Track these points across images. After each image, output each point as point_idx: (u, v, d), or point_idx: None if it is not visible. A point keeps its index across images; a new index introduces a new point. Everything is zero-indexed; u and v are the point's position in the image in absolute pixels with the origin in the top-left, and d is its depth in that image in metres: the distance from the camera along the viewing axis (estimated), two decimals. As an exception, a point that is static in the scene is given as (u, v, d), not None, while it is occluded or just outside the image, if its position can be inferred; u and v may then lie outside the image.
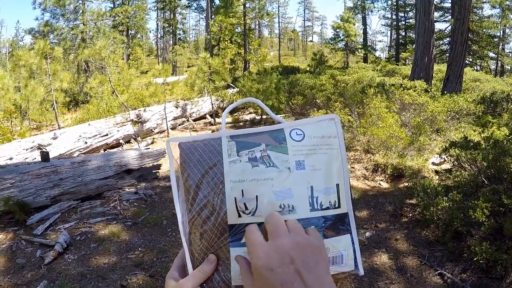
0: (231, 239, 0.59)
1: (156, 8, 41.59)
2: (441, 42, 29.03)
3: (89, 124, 8.51)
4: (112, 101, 11.61)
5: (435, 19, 16.90)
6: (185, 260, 0.62)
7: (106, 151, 8.05)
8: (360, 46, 35.04)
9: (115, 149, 8.34)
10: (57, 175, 5.01)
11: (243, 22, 27.83)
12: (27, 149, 6.67)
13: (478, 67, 29.18)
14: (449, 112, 7.73)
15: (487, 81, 16.56)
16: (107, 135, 8.46)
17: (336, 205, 0.63)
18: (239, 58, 27.43)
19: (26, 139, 7.19)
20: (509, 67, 32.52)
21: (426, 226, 4.28)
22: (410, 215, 4.66)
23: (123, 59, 19.04)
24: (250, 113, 13.25)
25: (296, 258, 0.50)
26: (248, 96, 11.31)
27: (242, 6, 27.88)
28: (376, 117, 6.95)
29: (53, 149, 6.97)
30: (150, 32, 44.75)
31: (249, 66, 28.25)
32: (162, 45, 47.13)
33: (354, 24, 33.98)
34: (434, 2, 15.58)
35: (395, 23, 36.11)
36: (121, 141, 8.81)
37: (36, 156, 6.46)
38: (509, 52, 32.94)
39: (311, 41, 72.31)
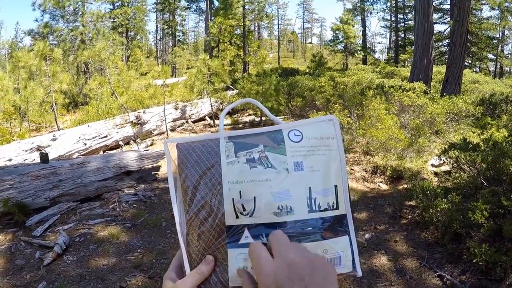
0: (228, 240, 0.59)
1: (155, 9, 41.64)
2: (440, 43, 29.09)
3: (88, 126, 8.50)
4: (112, 103, 11.60)
5: (434, 21, 16.95)
6: (182, 261, 0.62)
7: (105, 153, 8.05)
8: (359, 48, 35.07)
9: (114, 151, 8.34)
10: (56, 176, 5.00)
11: (242, 24, 27.89)
12: (26, 151, 6.67)
13: (477, 69, 29.20)
14: (448, 114, 7.73)
15: (486, 83, 16.58)
16: (106, 136, 8.46)
17: (335, 207, 0.63)
18: (238, 60, 27.46)
19: (25, 141, 7.19)
20: (508, 69, 32.58)
21: (426, 228, 4.28)
22: (410, 217, 4.66)
23: (122, 60, 19.03)
24: (250, 115, 13.26)
25: (306, 274, 0.49)
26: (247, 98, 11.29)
27: (242, 8, 27.95)
28: (375, 119, 6.95)
29: (52, 150, 6.96)
30: (150, 33, 44.92)
31: (248, 68, 28.28)
32: (161, 46, 47.20)
33: (354, 26, 34.02)
34: (433, 4, 15.62)
35: (394, 25, 36.15)
36: (120, 142, 8.80)
37: (36, 157, 6.46)
38: (508, 53, 32.98)
39: (310, 43, 72.37)
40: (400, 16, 35.33)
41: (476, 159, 4.15)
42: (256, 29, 45.89)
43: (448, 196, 3.98)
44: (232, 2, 26.85)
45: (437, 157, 5.68)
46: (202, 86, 12.73)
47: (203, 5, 40.87)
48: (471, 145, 4.54)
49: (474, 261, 3.23)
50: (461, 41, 11.50)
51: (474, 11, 27.54)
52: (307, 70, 23.85)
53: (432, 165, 6.37)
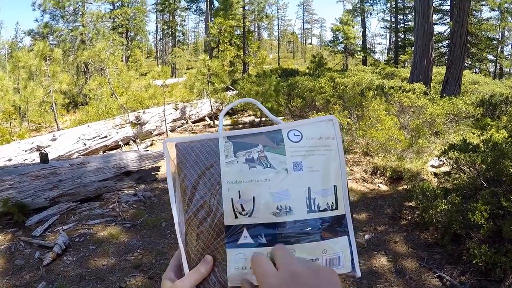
0: (227, 240, 0.59)
1: (155, 10, 41.64)
2: (440, 44, 29.09)
3: (88, 126, 8.50)
4: (111, 103, 11.60)
5: (434, 22, 16.95)
6: (181, 260, 0.62)
7: (105, 153, 8.05)
8: (359, 49, 35.09)
9: (114, 151, 8.34)
10: (56, 176, 5.00)
11: (242, 25, 27.90)
12: (26, 151, 6.67)
13: (477, 70, 29.21)
14: (448, 115, 7.73)
15: (486, 84, 16.57)
16: (106, 137, 8.46)
17: (334, 207, 0.63)
18: (238, 61, 27.46)
19: (25, 141, 7.19)
20: (508, 70, 32.59)
21: (425, 228, 4.27)
22: (409, 217, 4.66)
23: (122, 61, 19.05)
24: (249, 115, 13.26)
25: (311, 285, 0.49)
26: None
27: (242, 8, 27.96)
28: (375, 120, 6.95)
29: (52, 150, 6.96)
30: (150, 34, 44.86)
31: (248, 68, 28.28)
32: (161, 47, 47.21)
33: (353, 27, 34.04)
34: (433, 5, 15.63)
35: (394, 25, 36.15)
36: (120, 143, 8.81)
37: (35, 157, 6.46)
38: (508, 54, 32.97)
39: (310, 43, 72.39)
40: (400, 17, 35.35)
41: (476, 160, 4.15)
42: (256, 29, 45.93)
43: (448, 197, 3.98)
44: (232, 2, 26.86)
45: (437, 158, 5.68)
46: (202, 87, 12.73)
47: (203, 5, 40.92)
48: (471, 146, 4.54)
49: (474, 262, 3.23)
50: (461, 42, 11.51)
51: (474, 12, 27.57)
52: (307, 71, 23.84)
53: (432, 166, 6.37)
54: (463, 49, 11.68)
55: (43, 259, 3.72)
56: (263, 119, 11.74)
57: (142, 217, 4.85)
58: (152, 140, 9.60)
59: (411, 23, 32.49)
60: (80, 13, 20.27)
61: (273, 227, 0.58)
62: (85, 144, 7.82)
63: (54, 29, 19.97)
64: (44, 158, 5.43)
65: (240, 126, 11.87)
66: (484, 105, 9.45)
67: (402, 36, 34.89)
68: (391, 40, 41.19)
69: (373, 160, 6.66)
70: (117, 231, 4.41)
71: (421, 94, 8.67)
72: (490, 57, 29.53)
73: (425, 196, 4.29)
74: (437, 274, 3.47)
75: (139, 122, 9.49)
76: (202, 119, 12.62)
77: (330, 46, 35.08)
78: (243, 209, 0.58)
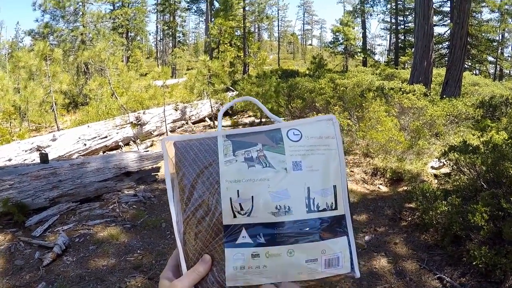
0: (226, 240, 0.58)
1: (155, 10, 41.66)
2: (440, 46, 29.09)
3: (88, 126, 8.51)
4: (112, 103, 11.60)
5: (434, 23, 16.97)
6: (179, 260, 0.61)
7: (105, 153, 8.05)
8: (359, 50, 35.12)
9: (114, 152, 8.33)
10: (56, 176, 5.00)
11: (242, 25, 27.90)
12: (26, 151, 6.66)
13: (477, 71, 29.25)
14: (448, 116, 7.72)
15: (486, 85, 16.56)
16: (106, 137, 8.46)
17: (333, 207, 0.62)
18: (238, 61, 27.47)
19: (25, 141, 7.19)
20: (508, 71, 32.60)
21: (425, 230, 4.27)
22: (409, 219, 4.65)
23: (122, 61, 19.07)
24: (250, 116, 13.25)
25: None
26: (247, 99, 11.29)
27: (242, 9, 27.96)
28: (375, 121, 6.95)
29: (52, 150, 6.96)
30: (150, 34, 44.97)
31: (248, 69, 28.28)
32: (161, 47, 47.20)
33: (354, 28, 34.10)
34: (433, 6, 15.64)
35: (394, 27, 36.19)
36: (120, 143, 8.80)
37: (35, 157, 6.45)
38: (508, 56, 33.03)
39: (310, 44, 72.38)
40: (400, 18, 35.40)
41: (476, 162, 4.15)
42: (256, 30, 45.97)
43: (448, 199, 3.97)
44: (232, 3, 26.86)
45: (437, 159, 5.67)
46: (202, 87, 12.74)
47: (203, 6, 40.94)
48: (471, 148, 4.53)
49: (474, 263, 3.23)
50: (461, 44, 11.50)
51: (474, 13, 27.58)
52: (307, 72, 23.83)
53: (432, 167, 6.37)
54: (463, 50, 11.67)
55: (43, 260, 3.71)
56: (263, 120, 11.74)
57: (142, 217, 4.84)
58: (152, 141, 9.60)
59: (411, 25, 32.54)
60: (81, 13, 20.27)
61: (272, 227, 0.58)
62: (85, 145, 7.82)
63: (54, 29, 19.97)
64: (44, 158, 5.43)
65: (240, 126, 11.85)
66: (484, 106, 9.45)
67: (402, 37, 34.94)
68: (391, 42, 41.26)
69: (373, 161, 6.65)
70: (117, 232, 4.41)
71: (421, 96, 8.67)
72: (490, 58, 29.57)
73: (425, 197, 4.28)
74: (437, 276, 3.46)
75: (139, 122, 9.49)
76: (202, 120, 12.62)
77: (330, 47, 35.12)
78: (241, 209, 0.58)
